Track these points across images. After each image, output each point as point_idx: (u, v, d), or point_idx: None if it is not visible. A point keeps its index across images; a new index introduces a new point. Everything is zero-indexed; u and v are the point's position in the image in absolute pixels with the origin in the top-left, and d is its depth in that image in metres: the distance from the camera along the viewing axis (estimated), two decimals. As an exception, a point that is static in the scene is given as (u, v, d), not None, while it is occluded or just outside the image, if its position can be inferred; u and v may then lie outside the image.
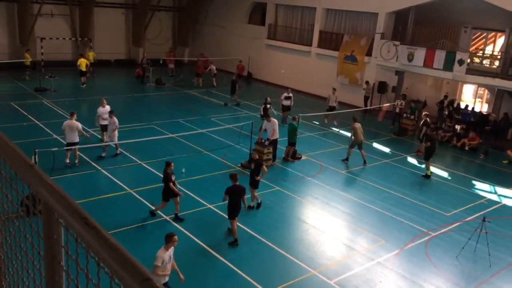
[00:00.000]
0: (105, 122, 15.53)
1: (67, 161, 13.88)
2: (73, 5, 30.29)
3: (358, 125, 16.32)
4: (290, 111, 20.94)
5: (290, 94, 21.40)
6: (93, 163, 14.40)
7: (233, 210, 10.48)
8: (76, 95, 23.82)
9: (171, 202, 11.17)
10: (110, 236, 1.17)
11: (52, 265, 1.49)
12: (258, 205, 12.32)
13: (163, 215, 11.44)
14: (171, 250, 7.77)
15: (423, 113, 18.83)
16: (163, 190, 11.10)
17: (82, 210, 1.29)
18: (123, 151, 15.47)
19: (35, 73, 25.53)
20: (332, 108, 21.70)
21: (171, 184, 10.99)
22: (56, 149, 13.38)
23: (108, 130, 15.04)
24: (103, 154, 14.94)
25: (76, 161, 14.08)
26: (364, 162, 16.36)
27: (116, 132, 14.98)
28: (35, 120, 18.42)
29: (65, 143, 14.11)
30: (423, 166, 16.60)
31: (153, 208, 11.44)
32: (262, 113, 19.08)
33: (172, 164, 11.28)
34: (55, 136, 16.43)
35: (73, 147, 13.86)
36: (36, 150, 11.75)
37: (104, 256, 1.13)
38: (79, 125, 13.98)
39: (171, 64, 30.93)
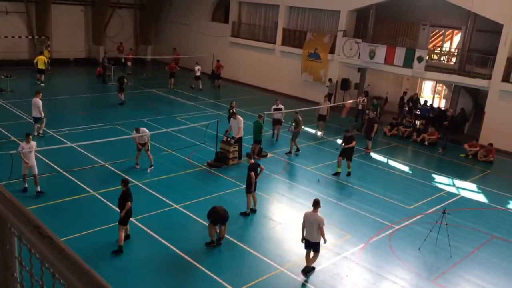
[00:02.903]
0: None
1: (35, 133, 15.86)
2: (29, 2, 29.19)
3: (300, 117, 17.07)
4: (282, 125, 18.96)
5: (280, 106, 18.85)
6: (53, 165, 13.95)
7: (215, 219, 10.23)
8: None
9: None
10: (65, 245, 1.12)
11: (5, 276, 1.41)
12: (254, 210, 12.17)
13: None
14: None
15: (368, 109, 19.49)
16: (125, 213, 9.69)
17: (35, 218, 1.23)
18: (85, 152, 15.06)
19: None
20: (322, 117, 19.72)
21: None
22: (14, 152, 12.87)
23: (28, 157, 11.90)
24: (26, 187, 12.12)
25: (41, 132, 16.45)
26: (297, 149, 17.08)
27: (34, 160, 12.03)
28: (-9, 122, 17.68)
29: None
30: (386, 161, 17.01)
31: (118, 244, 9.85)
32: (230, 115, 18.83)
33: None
34: (13, 138, 15.82)
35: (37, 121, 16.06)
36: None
37: (59, 267, 1.08)
38: (40, 103, 15.94)
39: (129, 62, 30.54)
